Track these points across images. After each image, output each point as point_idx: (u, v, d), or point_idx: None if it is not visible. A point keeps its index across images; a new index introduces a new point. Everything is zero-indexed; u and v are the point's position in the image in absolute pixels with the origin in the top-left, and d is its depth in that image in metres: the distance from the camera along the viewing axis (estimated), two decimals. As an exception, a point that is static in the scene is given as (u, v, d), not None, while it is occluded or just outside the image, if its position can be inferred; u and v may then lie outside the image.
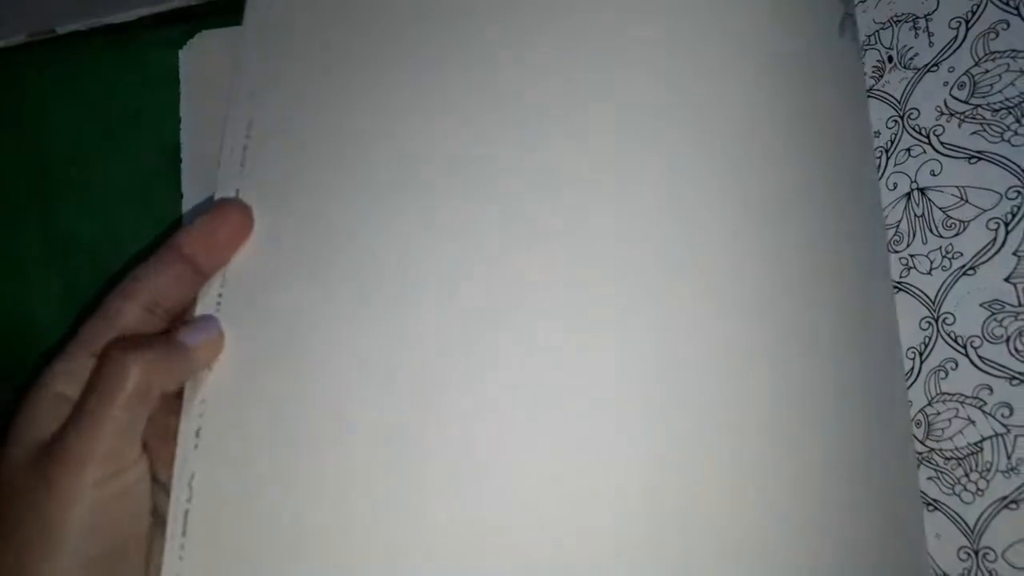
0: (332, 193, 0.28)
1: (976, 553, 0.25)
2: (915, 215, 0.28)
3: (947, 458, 0.26)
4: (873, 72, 0.30)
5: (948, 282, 0.27)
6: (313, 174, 0.28)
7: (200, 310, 0.28)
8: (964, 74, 0.28)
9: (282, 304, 0.27)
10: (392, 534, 0.24)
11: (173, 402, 0.27)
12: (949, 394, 0.26)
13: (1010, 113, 0.27)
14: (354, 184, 0.28)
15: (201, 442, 0.27)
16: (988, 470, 0.25)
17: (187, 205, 0.34)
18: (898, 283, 0.28)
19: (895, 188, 0.29)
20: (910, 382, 0.27)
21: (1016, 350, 0.26)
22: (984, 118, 0.28)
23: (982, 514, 0.25)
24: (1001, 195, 0.27)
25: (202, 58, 0.35)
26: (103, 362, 0.25)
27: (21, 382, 0.36)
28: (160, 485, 0.27)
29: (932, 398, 0.27)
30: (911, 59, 0.29)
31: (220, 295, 0.28)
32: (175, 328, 0.27)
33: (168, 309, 0.28)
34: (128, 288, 0.27)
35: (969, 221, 0.27)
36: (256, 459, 0.26)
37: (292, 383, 0.26)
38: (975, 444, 0.26)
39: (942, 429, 0.26)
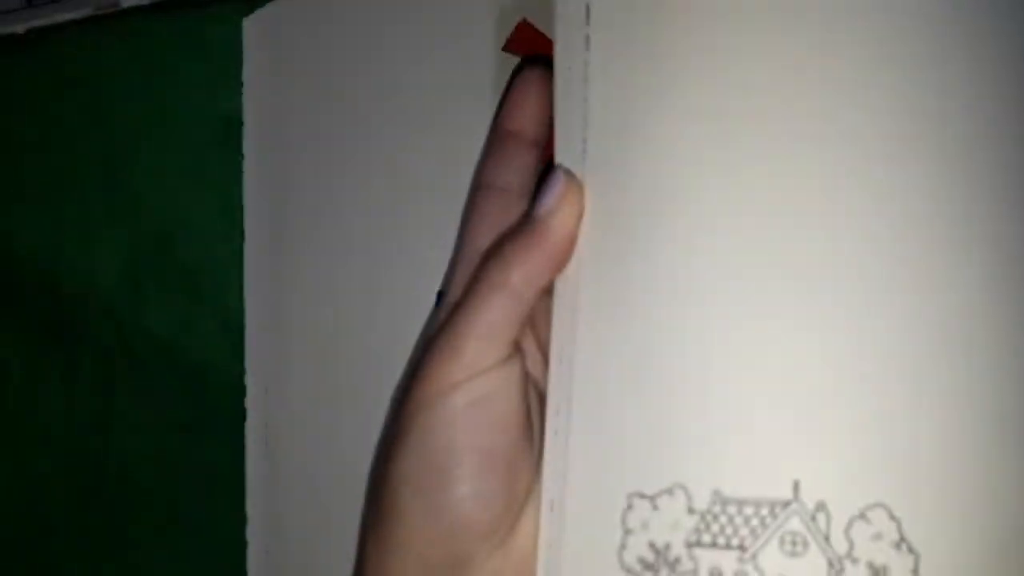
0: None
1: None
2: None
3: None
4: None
5: None
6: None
7: (560, 160, 0.25)
8: None
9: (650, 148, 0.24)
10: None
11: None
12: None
13: None
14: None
15: (583, 318, 0.24)
16: None
17: (249, 168, 0.36)
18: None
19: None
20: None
21: None
22: None
23: None
24: None
25: (265, 28, 0.36)
26: (475, 270, 0.25)
27: (84, 343, 0.38)
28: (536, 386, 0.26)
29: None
30: None
31: (584, 141, 0.25)
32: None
33: (525, 187, 0.27)
34: (480, 181, 0.28)
35: None
36: (636, 329, 0.24)
37: (673, 237, 0.24)
38: None
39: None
